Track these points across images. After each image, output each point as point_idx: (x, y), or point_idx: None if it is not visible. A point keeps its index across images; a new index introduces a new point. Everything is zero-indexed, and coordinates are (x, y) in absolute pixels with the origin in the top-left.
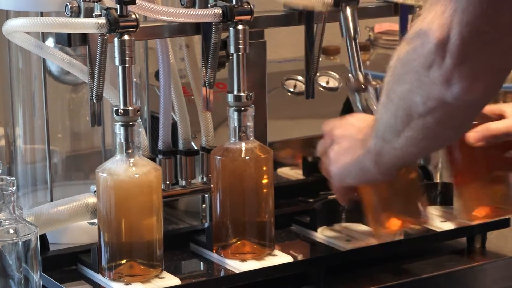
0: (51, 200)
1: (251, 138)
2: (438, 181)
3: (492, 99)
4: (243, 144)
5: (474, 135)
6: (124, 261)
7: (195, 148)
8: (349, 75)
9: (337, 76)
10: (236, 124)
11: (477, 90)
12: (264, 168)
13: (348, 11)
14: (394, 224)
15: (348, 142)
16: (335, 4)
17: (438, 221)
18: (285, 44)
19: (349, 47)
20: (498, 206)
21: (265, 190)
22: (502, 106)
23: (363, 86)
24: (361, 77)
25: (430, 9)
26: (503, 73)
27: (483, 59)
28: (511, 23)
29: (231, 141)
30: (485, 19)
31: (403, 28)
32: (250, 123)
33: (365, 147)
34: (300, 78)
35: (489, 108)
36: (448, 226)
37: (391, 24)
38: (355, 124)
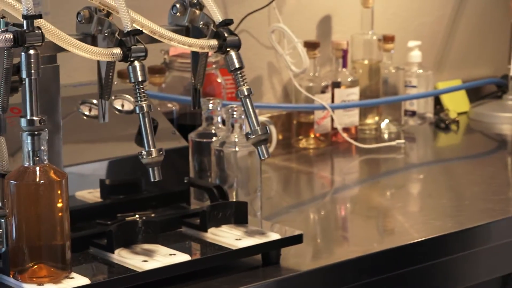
0: None
1: (46, 162)
2: (233, 200)
3: None
4: (37, 168)
5: None
6: None
7: None
8: None
9: (132, 99)
10: (29, 148)
11: None
12: (59, 191)
13: None
14: None
15: None
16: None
17: (233, 239)
18: (80, 68)
19: None
20: None
21: (60, 214)
22: None
23: None
24: None
25: None
26: None
27: None
28: None
29: (25, 165)
30: None
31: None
32: (44, 147)
33: None
34: (95, 101)
35: None
36: (243, 243)
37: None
38: None
